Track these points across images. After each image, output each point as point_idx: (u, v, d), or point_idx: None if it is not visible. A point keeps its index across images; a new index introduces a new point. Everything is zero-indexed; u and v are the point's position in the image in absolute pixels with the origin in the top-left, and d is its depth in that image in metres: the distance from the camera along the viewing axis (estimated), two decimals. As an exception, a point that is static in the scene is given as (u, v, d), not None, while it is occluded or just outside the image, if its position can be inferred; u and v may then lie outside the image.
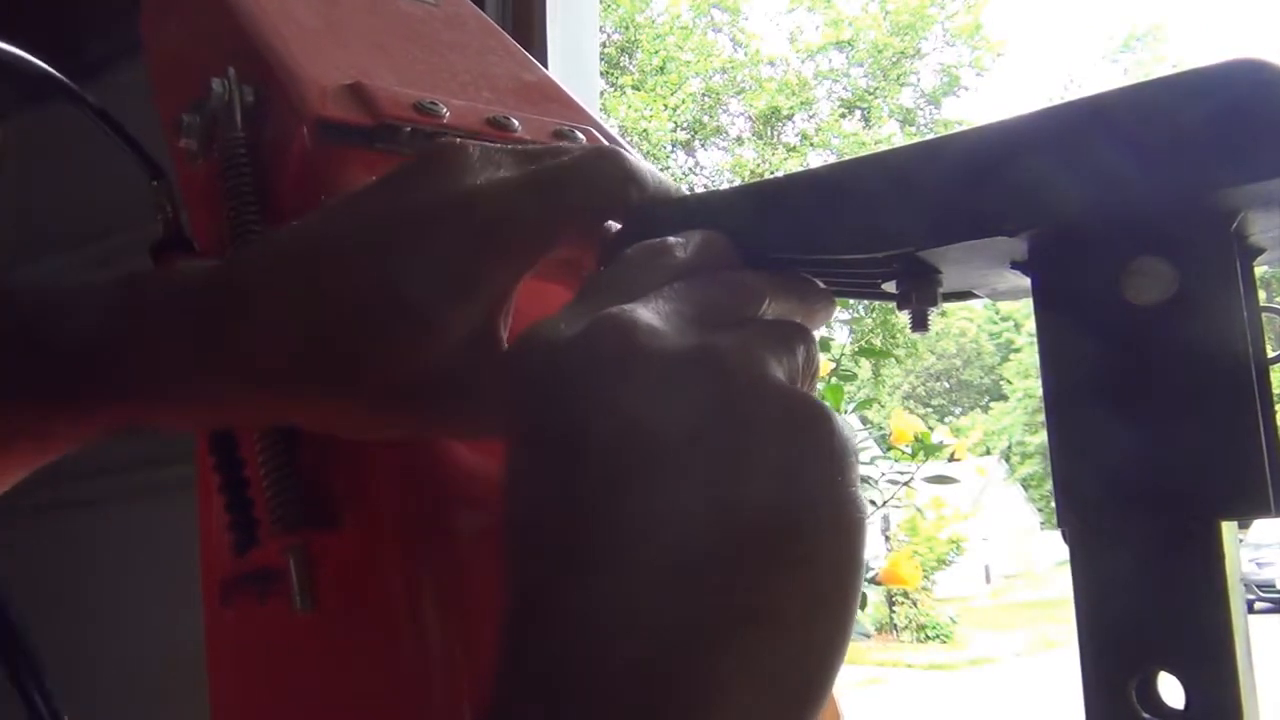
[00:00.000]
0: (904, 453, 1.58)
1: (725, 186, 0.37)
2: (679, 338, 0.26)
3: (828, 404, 0.27)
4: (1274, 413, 0.27)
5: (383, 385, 0.33)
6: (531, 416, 0.27)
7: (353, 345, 0.32)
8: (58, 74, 0.48)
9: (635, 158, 0.36)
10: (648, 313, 0.27)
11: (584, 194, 0.35)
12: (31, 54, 0.48)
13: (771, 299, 0.31)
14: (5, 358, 0.35)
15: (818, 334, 0.35)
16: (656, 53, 14.78)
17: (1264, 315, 0.29)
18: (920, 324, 0.33)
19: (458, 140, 0.35)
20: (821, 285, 0.34)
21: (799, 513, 0.24)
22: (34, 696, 0.50)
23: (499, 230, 0.33)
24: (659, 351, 0.26)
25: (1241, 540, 0.30)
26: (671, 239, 0.31)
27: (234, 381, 0.34)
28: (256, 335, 0.33)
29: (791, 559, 0.24)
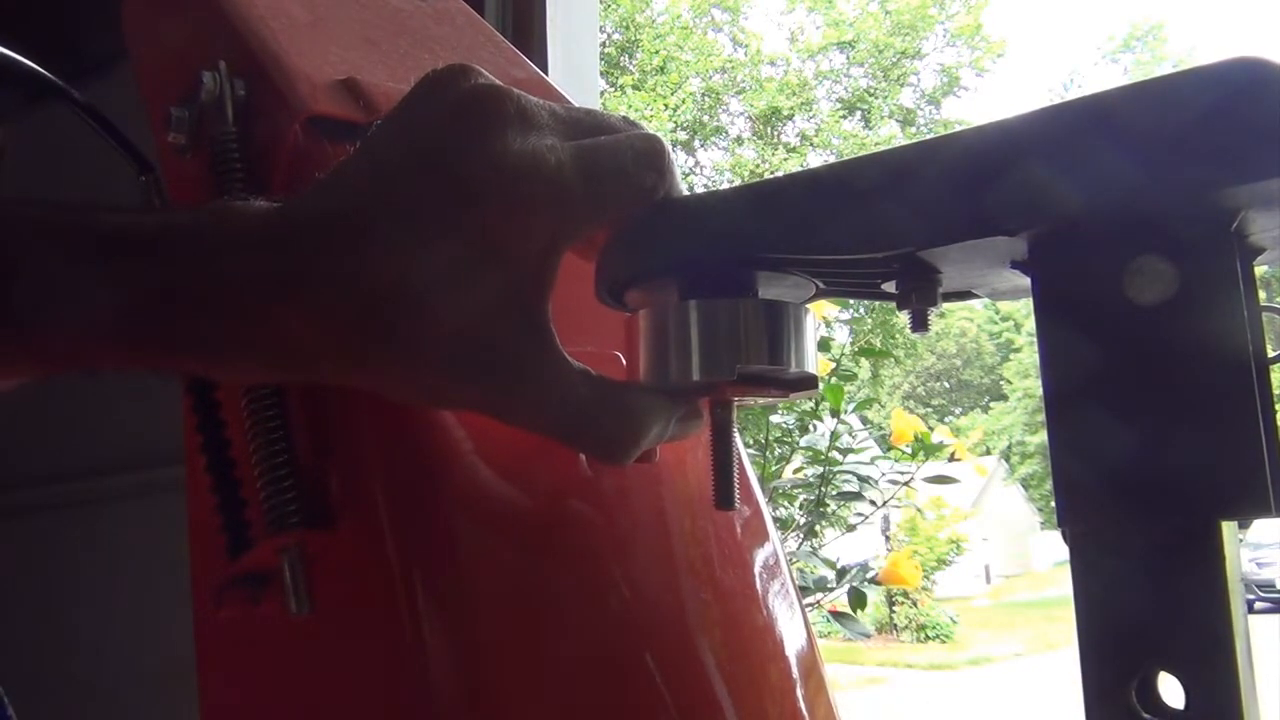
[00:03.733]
0: (904, 453, 1.58)
1: (725, 186, 0.37)
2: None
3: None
4: (1274, 413, 0.27)
5: (417, 362, 0.33)
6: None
7: (387, 328, 0.32)
8: (45, 72, 0.48)
9: (670, 148, 0.36)
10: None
11: (631, 185, 0.35)
12: (27, 53, 0.48)
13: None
14: (56, 290, 0.32)
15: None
16: (656, 52, 14.77)
17: (1264, 315, 0.29)
18: (920, 324, 0.33)
19: (494, 85, 0.34)
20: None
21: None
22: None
23: (546, 212, 0.33)
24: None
25: (1241, 540, 0.30)
26: None
27: (284, 348, 0.33)
28: (305, 312, 0.32)
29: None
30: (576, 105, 0.37)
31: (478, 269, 0.32)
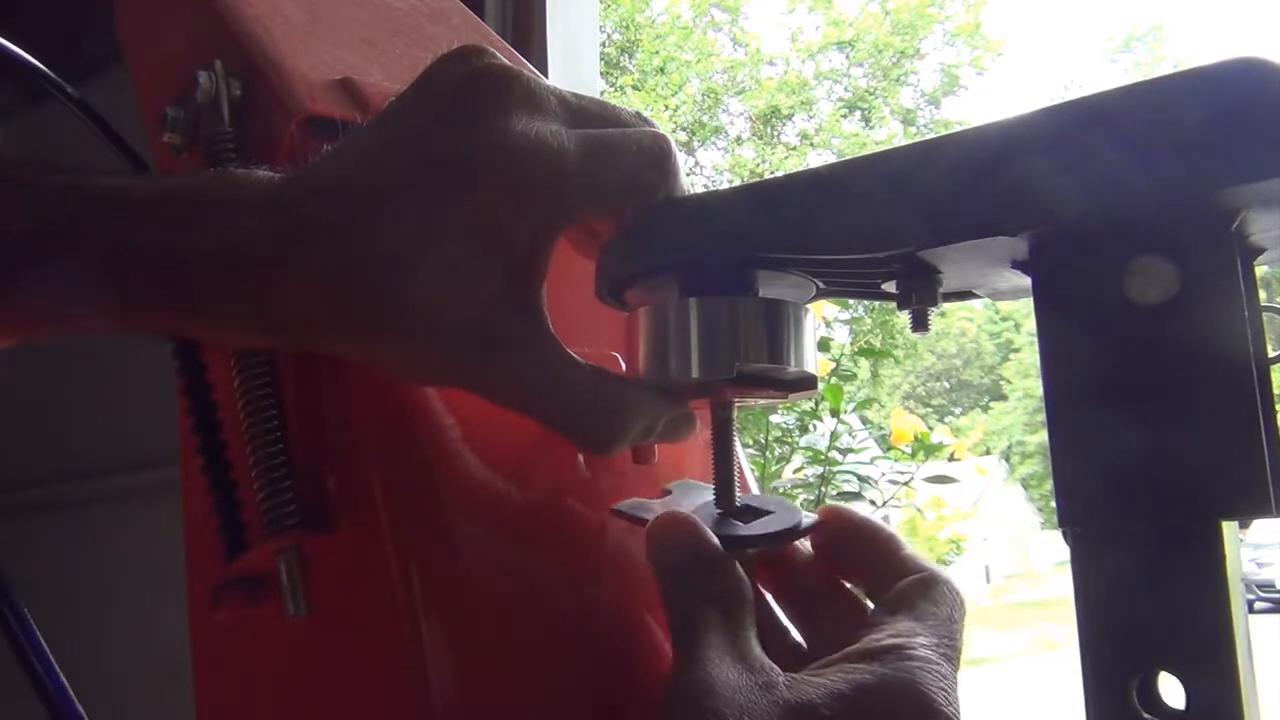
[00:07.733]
0: (904, 453, 1.58)
1: (725, 186, 0.37)
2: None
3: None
4: (1274, 413, 0.27)
5: (410, 334, 0.33)
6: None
7: (383, 298, 0.32)
8: (42, 66, 0.48)
9: (676, 150, 0.36)
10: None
11: (632, 181, 0.35)
12: (26, 50, 0.48)
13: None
14: (54, 251, 0.32)
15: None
16: (656, 53, 14.76)
17: (1264, 315, 0.29)
18: (920, 324, 0.33)
19: (505, 65, 0.34)
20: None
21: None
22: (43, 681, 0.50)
23: (544, 194, 0.33)
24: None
25: (1241, 540, 0.30)
26: None
27: (276, 313, 0.33)
28: (298, 278, 0.32)
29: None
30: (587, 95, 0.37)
31: (471, 246, 0.32)
